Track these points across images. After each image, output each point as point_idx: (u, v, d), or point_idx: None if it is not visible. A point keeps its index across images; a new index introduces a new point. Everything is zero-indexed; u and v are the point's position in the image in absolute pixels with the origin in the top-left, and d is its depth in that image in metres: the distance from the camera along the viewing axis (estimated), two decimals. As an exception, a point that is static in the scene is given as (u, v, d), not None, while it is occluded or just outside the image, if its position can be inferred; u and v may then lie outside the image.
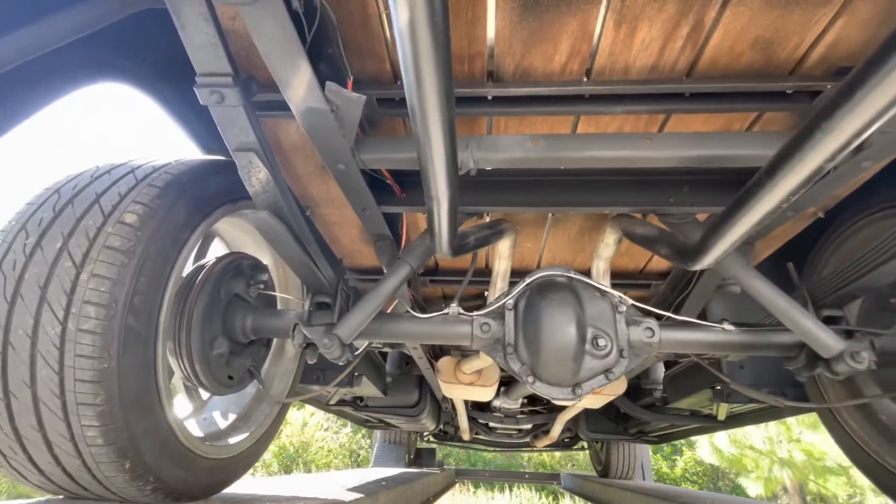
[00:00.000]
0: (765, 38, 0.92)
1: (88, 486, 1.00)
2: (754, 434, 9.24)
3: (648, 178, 1.29)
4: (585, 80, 1.04)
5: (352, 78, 0.93)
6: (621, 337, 1.23)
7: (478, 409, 4.03)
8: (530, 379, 1.23)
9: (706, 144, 0.96)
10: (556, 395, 1.22)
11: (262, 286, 1.45)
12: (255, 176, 0.96)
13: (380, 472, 3.07)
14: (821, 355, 1.12)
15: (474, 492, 14.33)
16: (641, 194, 1.28)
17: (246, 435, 1.41)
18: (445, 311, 1.34)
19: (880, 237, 1.12)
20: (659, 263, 1.86)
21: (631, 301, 1.27)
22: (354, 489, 1.74)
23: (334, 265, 1.39)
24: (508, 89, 1.04)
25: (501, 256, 1.59)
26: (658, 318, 1.32)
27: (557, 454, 16.29)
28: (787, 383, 1.95)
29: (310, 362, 1.36)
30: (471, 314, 1.32)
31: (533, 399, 3.71)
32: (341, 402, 2.92)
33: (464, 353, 2.25)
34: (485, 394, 2.35)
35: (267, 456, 14.78)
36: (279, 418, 1.60)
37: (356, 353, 1.40)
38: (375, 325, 1.31)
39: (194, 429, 1.34)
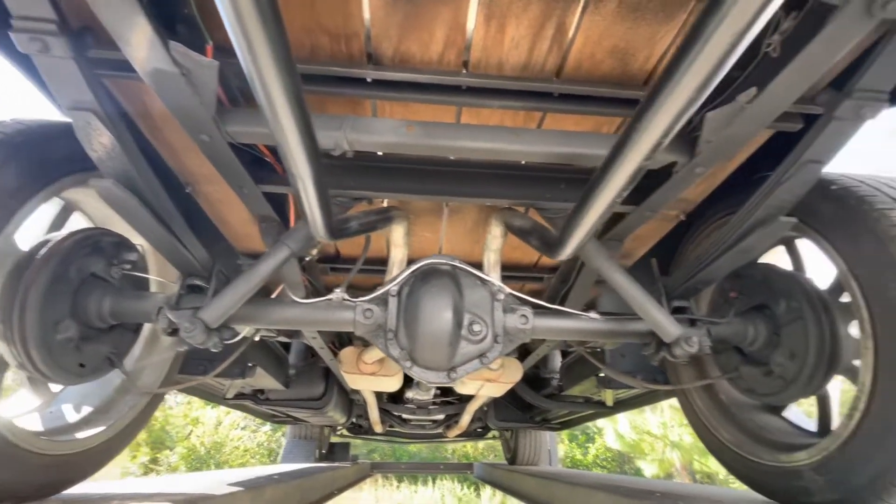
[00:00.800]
0: (620, 48, 1.01)
1: None
2: (652, 420, 10.20)
3: (530, 173, 1.36)
4: (464, 71, 1.06)
5: (212, 44, 0.88)
6: (497, 323, 1.28)
7: (392, 401, 4.02)
8: (408, 364, 1.25)
9: (566, 142, 1.03)
10: (431, 379, 1.25)
11: (128, 267, 1.33)
12: (96, 140, 0.88)
13: (278, 468, 2.96)
14: (664, 341, 1.25)
15: (398, 486, 14.36)
16: (522, 189, 1.34)
17: (102, 429, 1.28)
18: (329, 296, 1.32)
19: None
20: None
21: (508, 290, 1.33)
22: (237, 484, 1.66)
23: (211, 246, 1.31)
24: (387, 73, 1.04)
25: (396, 245, 1.59)
26: (537, 307, 1.40)
27: (481, 445, 16.78)
28: (659, 370, 2.16)
29: (179, 350, 1.27)
30: (355, 300, 1.31)
31: (445, 390, 3.78)
32: (240, 396, 2.77)
33: (366, 343, 2.23)
34: (389, 384, 2.34)
35: (173, 458, 13.70)
36: (148, 410, 1.48)
37: (233, 341, 1.33)
38: (251, 310, 1.26)
39: (34, 423, 1.20)
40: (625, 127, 0.75)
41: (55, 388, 1.37)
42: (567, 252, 1.11)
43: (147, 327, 1.56)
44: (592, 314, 1.37)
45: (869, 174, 1.22)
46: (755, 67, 0.88)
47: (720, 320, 1.37)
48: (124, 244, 1.33)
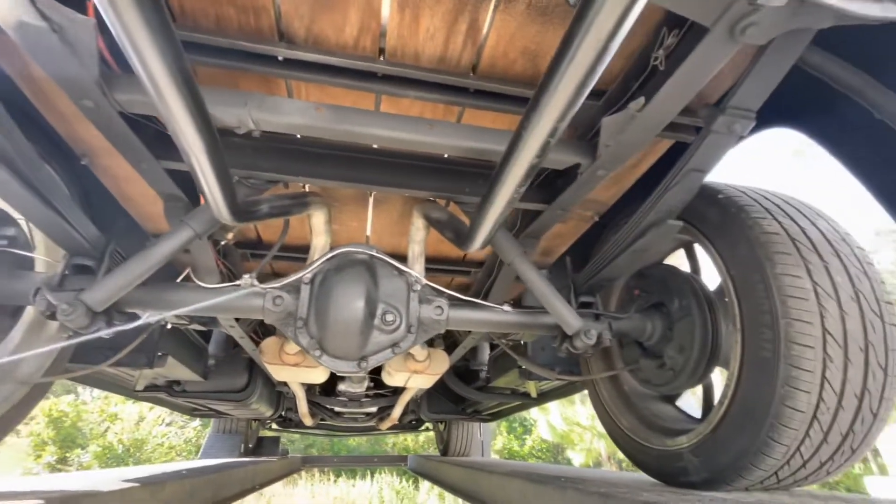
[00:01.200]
0: (531, 49, 1.04)
1: None
2: (581, 412, 10.77)
3: (452, 167, 1.38)
4: (381, 59, 1.05)
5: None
6: (412, 314, 1.29)
7: (324, 393, 3.94)
8: (317, 353, 1.23)
9: (476, 137, 1.05)
10: (341, 368, 1.23)
11: (3, 243, 1.20)
12: (-52, 96, 0.78)
13: (190, 464, 2.80)
14: (567, 333, 1.32)
15: (335, 480, 14.12)
16: (442, 182, 1.35)
17: (-36, 422, 1.15)
18: (237, 282, 1.26)
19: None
20: (478, 252, 2.01)
21: (425, 281, 1.34)
22: (134, 480, 1.55)
23: (109, 224, 1.21)
24: (299, 53, 1.01)
25: (317, 232, 1.56)
26: (453, 299, 1.42)
27: (421, 438, 16.88)
28: (575, 363, 2.28)
29: (65, 336, 1.16)
30: (265, 287, 1.27)
31: (377, 382, 3.76)
32: (152, 388, 2.59)
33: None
34: (313, 375, 2.29)
35: (86, 457, 12.62)
36: (28, 402, 1.35)
37: (129, 327, 1.24)
38: (147, 293, 1.18)
39: None
40: (517, 126, 0.78)
41: None
42: (476, 245, 1.14)
43: (30, 310, 1.42)
44: (506, 307, 1.42)
45: (751, 186, 1.35)
46: (646, 79, 0.94)
47: (622, 315, 1.46)
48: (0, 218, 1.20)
